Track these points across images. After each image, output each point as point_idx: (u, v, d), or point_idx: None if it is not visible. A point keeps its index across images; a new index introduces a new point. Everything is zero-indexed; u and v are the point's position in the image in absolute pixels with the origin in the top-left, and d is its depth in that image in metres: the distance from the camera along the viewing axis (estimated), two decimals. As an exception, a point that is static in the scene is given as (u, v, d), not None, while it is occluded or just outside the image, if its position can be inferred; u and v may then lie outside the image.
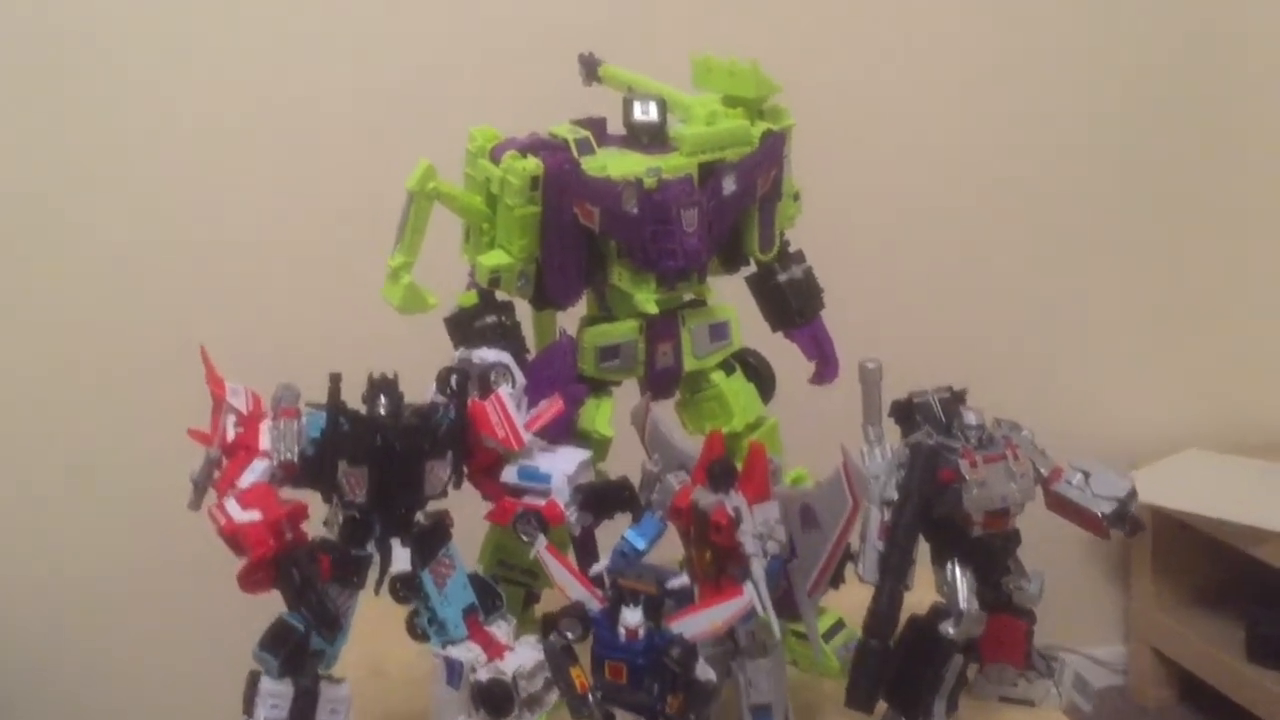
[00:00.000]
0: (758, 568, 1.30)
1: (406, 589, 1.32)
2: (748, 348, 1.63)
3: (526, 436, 1.35)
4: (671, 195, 1.45)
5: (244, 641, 1.26)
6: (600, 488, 1.38)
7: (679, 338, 1.55)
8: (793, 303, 1.62)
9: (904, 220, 2.38)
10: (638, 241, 1.46)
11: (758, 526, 1.33)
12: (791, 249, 1.64)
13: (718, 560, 1.38)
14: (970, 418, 1.42)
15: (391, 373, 1.32)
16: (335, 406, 1.27)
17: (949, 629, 1.38)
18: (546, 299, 1.50)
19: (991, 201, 2.42)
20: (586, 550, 1.48)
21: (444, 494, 1.34)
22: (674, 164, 1.45)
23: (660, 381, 1.56)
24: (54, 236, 2.22)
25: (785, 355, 1.65)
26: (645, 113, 1.50)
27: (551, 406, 1.40)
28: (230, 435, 1.25)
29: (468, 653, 1.30)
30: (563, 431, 1.45)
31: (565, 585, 1.30)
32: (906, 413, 1.46)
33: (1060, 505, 1.44)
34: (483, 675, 1.27)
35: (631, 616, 1.24)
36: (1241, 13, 2.55)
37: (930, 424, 1.43)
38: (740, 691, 1.35)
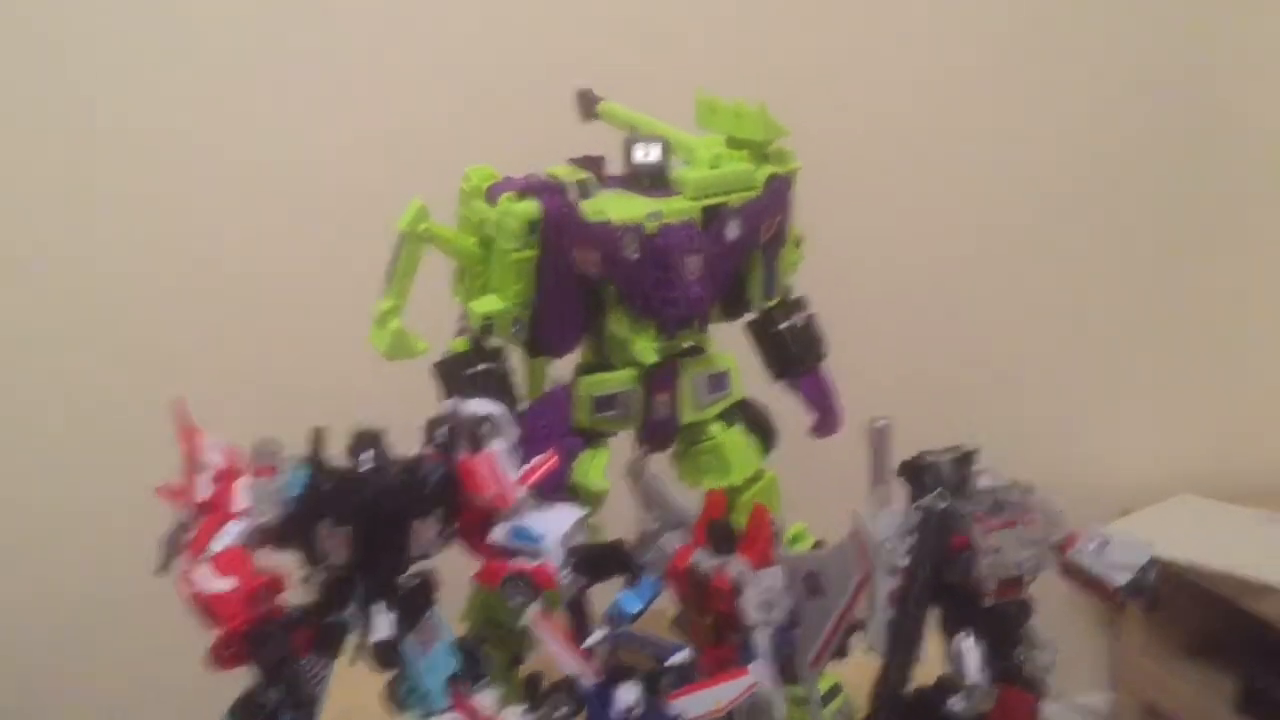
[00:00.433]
0: (762, 639, 1.24)
1: (387, 657, 1.24)
2: (748, 398, 1.57)
3: (518, 494, 1.28)
4: (674, 241, 1.39)
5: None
6: (596, 551, 1.30)
7: (677, 388, 1.49)
8: (794, 351, 1.57)
9: (883, 258, 2.33)
10: (638, 288, 1.40)
11: (761, 594, 1.27)
12: (793, 295, 1.59)
13: (717, 625, 1.32)
14: (984, 480, 1.36)
15: (377, 426, 1.24)
16: (317, 464, 1.19)
17: (957, 705, 1.32)
18: (541, 346, 1.44)
19: (975, 241, 2.38)
20: (578, 613, 1.41)
21: (429, 555, 1.27)
22: (676, 208, 1.40)
23: (657, 433, 1.50)
24: (31, 277, 2.11)
25: (783, 403, 1.60)
26: (647, 155, 1.44)
27: (546, 462, 1.33)
28: (203, 494, 1.17)
29: None
30: (556, 485, 1.37)
31: (558, 657, 1.23)
32: (916, 473, 1.40)
33: (1074, 574, 1.38)
34: (466, 750, 1.19)
35: (627, 695, 1.17)
36: (1255, 46, 2.51)
37: (941, 486, 1.36)
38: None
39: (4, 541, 2.14)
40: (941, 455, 1.41)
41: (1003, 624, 1.36)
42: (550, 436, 1.42)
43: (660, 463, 1.54)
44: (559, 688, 1.22)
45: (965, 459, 1.41)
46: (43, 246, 2.07)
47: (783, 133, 1.49)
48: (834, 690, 1.51)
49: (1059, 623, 1.26)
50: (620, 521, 1.45)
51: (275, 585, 1.11)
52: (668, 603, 1.44)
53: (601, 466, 1.48)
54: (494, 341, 1.40)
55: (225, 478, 1.20)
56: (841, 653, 1.34)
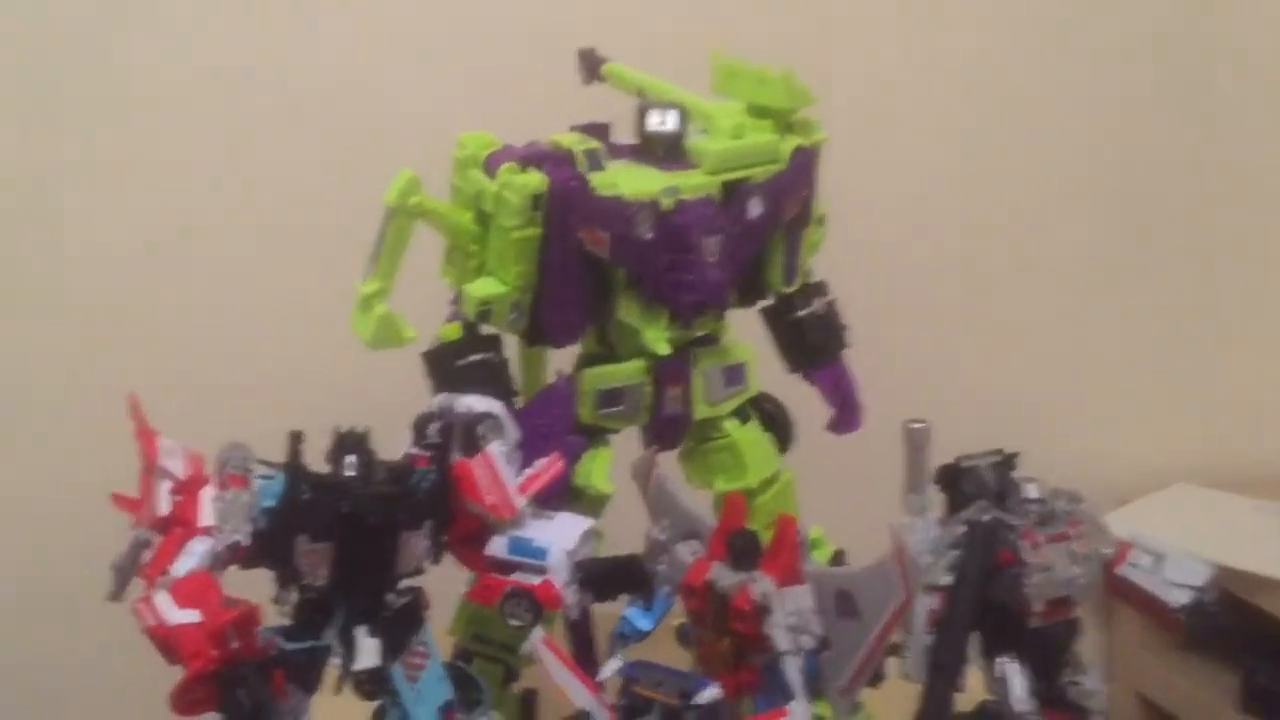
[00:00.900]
0: (793, 669, 1.11)
1: (374, 685, 1.13)
2: (763, 392, 1.46)
3: (519, 503, 1.17)
4: (691, 219, 1.29)
5: None
6: (607, 566, 1.18)
7: (690, 381, 1.38)
8: (813, 340, 1.47)
9: (878, 243, 2.23)
10: (651, 271, 1.30)
11: (789, 616, 1.14)
12: (813, 279, 1.48)
13: (737, 648, 1.19)
14: (1031, 490, 1.25)
15: (361, 427, 1.12)
16: (294, 470, 1.07)
17: (1002, 734, 1.20)
18: (542, 335, 1.32)
19: (971, 229, 2.29)
20: (581, 636, 1.28)
21: (419, 571, 1.16)
22: (694, 183, 1.30)
23: (667, 430, 1.39)
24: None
25: (797, 395, 1.49)
26: (663, 123, 1.33)
27: (550, 466, 1.21)
28: (163, 507, 1.03)
29: None
30: (556, 487, 1.24)
31: (566, 688, 1.10)
32: (954, 480, 1.29)
33: (1123, 591, 1.27)
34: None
35: (648, 734, 1.04)
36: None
37: (982, 494, 1.24)
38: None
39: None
40: (981, 459, 1.30)
41: (1049, 647, 1.25)
42: (551, 435, 1.30)
43: (668, 461, 1.41)
44: (568, 726, 1.09)
45: (1007, 463, 1.30)
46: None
47: (809, 101, 1.38)
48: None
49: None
50: (624, 528, 1.31)
51: (248, 619, 0.97)
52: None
53: (605, 467, 1.37)
54: (490, 329, 1.31)
55: (188, 488, 1.06)
56: (876, 680, 1.21)
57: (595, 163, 1.28)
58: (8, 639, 1.90)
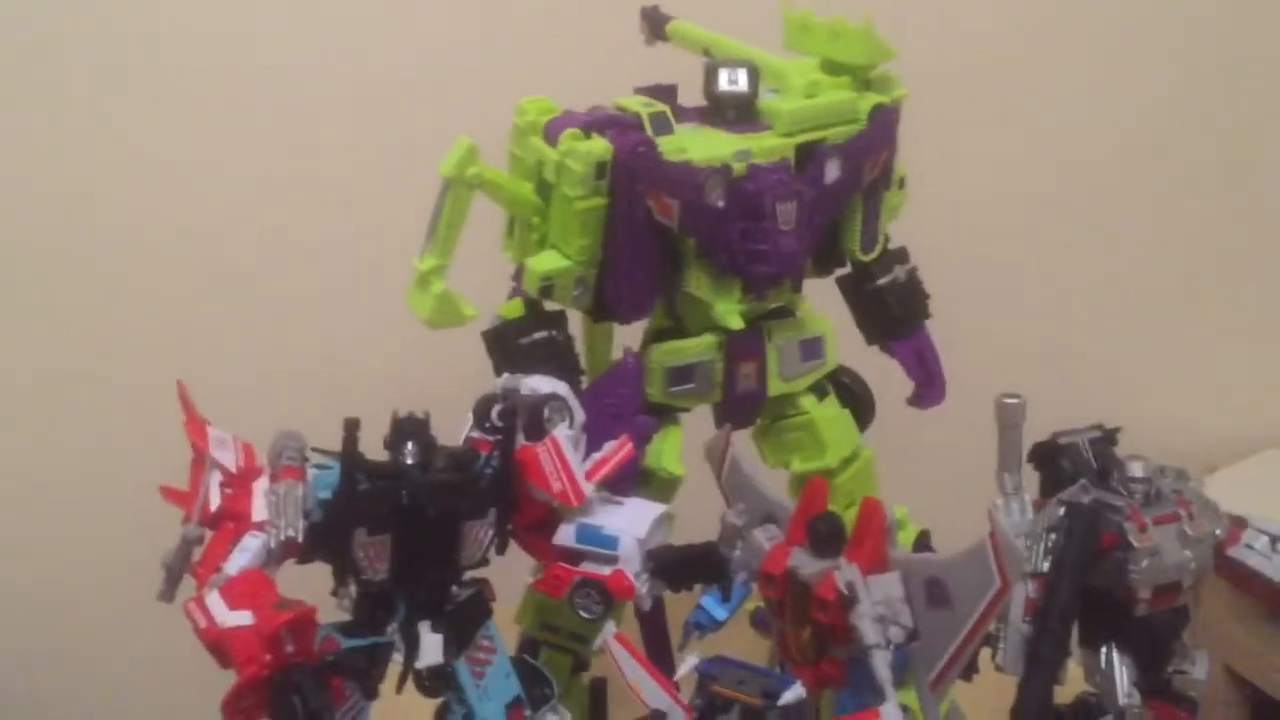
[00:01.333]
0: (881, 663, 1.04)
1: (438, 682, 1.10)
2: (843, 366, 1.40)
3: (588, 489, 1.12)
4: (765, 184, 1.23)
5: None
6: (682, 555, 1.11)
7: (764, 356, 1.32)
8: (894, 310, 1.41)
9: (968, 208, 2.14)
10: (723, 241, 1.24)
11: (877, 606, 1.07)
12: (893, 245, 1.41)
13: (819, 640, 1.13)
14: (1136, 468, 1.17)
15: (421, 412, 1.08)
16: (351, 459, 1.02)
17: (1104, 729, 1.13)
18: (608, 310, 1.27)
19: (1064, 192, 2.20)
20: (654, 626, 1.22)
21: (484, 562, 1.11)
22: (767, 146, 1.25)
23: (740, 408, 1.33)
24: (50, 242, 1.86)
25: (877, 368, 1.43)
26: (733, 82, 1.27)
27: (619, 450, 1.16)
28: (214, 501, 0.99)
29: None
30: (625, 471, 1.18)
31: (640, 687, 1.04)
32: (1050, 458, 1.23)
33: (1235, 574, 1.19)
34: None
35: (729, 737, 0.97)
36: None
37: (1083, 473, 1.17)
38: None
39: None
40: (1080, 435, 1.24)
41: (1155, 636, 1.19)
42: (620, 416, 1.26)
43: (741, 442, 1.34)
44: (644, 727, 1.03)
45: (1108, 439, 1.23)
46: (46, 220, 1.83)
47: (889, 55, 1.31)
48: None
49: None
50: (697, 512, 1.25)
51: (304, 622, 0.91)
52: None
53: (676, 448, 1.32)
54: (553, 305, 1.26)
55: (240, 480, 1.02)
56: (968, 672, 1.14)
57: (663, 127, 1.23)
58: (55, 641, 1.88)
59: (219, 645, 0.91)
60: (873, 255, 1.36)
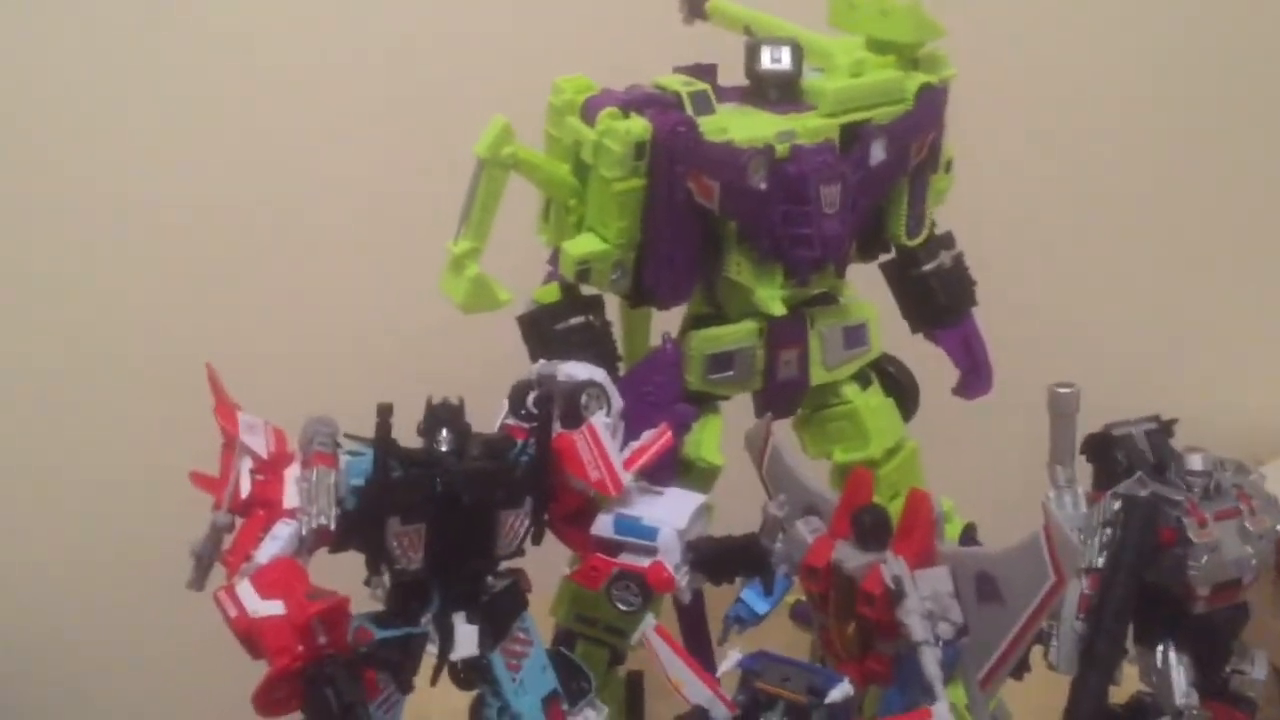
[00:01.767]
0: (930, 660, 1.00)
1: (473, 675, 1.07)
2: (887, 354, 1.37)
3: (626, 479, 1.08)
4: (809, 167, 1.20)
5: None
6: (723, 547, 1.08)
7: (806, 343, 1.29)
8: (940, 297, 1.37)
9: (1016, 192, 2.10)
10: (765, 225, 1.21)
11: (925, 602, 1.04)
12: (939, 230, 1.37)
13: (864, 635, 1.09)
14: (1195, 461, 1.14)
15: (455, 398, 1.05)
16: (385, 446, 0.99)
17: (1161, 732, 1.09)
18: (646, 295, 1.24)
19: (1113, 176, 2.15)
20: (693, 620, 1.19)
21: (520, 552, 1.08)
22: (811, 126, 1.22)
23: (781, 397, 1.30)
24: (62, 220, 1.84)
25: (921, 357, 1.39)
26: (776, 60, 1.24)
27: (657, 438, 1.13)
28: (245, 487, 0.97)
29: None
30: (664, 460, 1.15)
31: (681, 682, 1.01)
32: (1104, 450, 1.20)
33: (1296, 570, 1.14)
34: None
35: (774, 735, 0.94)
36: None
37: (1139, 466, 1.13)
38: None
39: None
40: (1134, 426, 1.21)
41: (1213, 635, 1.16)
42: (658, 404, 1.23)
43: (782, 431, 1.31)
44: (687, 721, 1.00)
45: (1165, 430, 1.20)
46: (75, 202, 1.81)
47: (937, 33, 1.28)
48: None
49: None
50: (736, 504, 1.22)
51: (336, 612, 0.89)
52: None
53: (715, 437, 1.29)
54: (590, 290, 1.23)
55: (271, 467, 1.00)
56: (1019, 670, 1.10)
57: (704, 106, 1.19)
58: (84, 630, 1.86)
59: (250, 635, 0.88)
60: (918, 240, 1.33)
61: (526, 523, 1.06)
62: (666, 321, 1.29)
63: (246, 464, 0.99)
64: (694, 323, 1.27)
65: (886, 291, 1.39)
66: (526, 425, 1.09)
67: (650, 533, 1.08)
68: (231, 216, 1.79)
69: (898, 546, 1.10)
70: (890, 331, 1.38)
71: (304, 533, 0.95)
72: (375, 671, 0.95)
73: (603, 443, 1.07)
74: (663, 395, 1.23)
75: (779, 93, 1.24)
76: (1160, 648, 1.14)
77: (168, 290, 1.79)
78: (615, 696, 1.29)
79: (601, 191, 1.17)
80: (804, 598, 1.21)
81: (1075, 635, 1.10)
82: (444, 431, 1.03)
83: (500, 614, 1.07)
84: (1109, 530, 1.12)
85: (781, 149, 1.18)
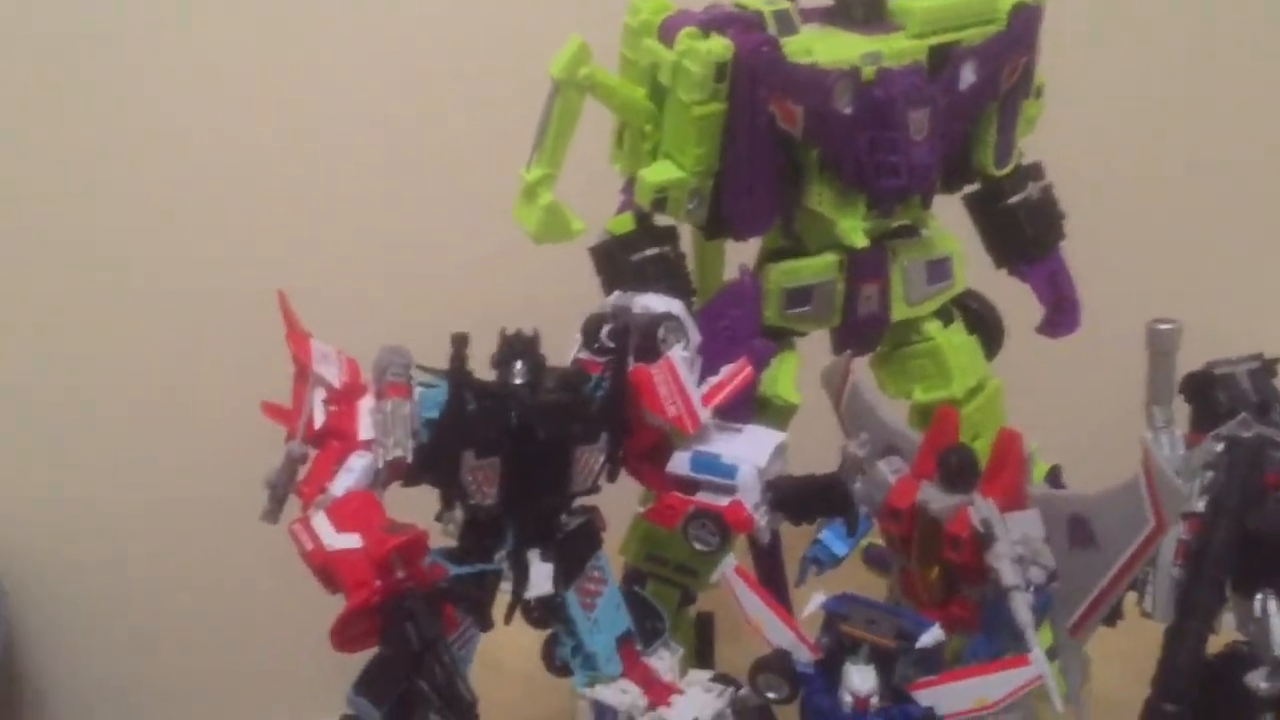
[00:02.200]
0: (1022, 606, 0.97)
1: (547, 613, 1.05)
2: (970, 290, 1.32)
3: (704, 415, 1.05)
4: (897, 90, 1.15)
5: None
6: (805, 486, 1.05)
7: (888, 277, 1.24)
8: (1027, 230, 1.32)
9: (1109, 120, 2.02)
10: (849, 152, 1.16)
11: (1015, 546, 1.00)
12: (1026, 160, 1.32)
13: (949, 580, 1.06)
14: None
15: (529, 329, 1.02)
16: (459, 378, 0.97)
17: (1258, 682, 1.04)
18: (725, 226, 1.20)
19: (1214, 101, 2.06)
20: (771, 563, 1.16)
21: (595, 489, 1.06)
22: (898, 48, 1.17)
23: (861, 333, 1.26)
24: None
25: (1006, 292, 1.34)
26: None
27: (738, 373, 1.10)
28: (319, 418, 0.94)
29: (622, 695, 1.06)
30: (742, 397, 1.12)
31: (763, 623, 0.98)
32: (1204, 390, 1.15)
33: None
34: (643, 727, 1.02)
35: (861, 679, 0.92)
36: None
37: (1242, 406, 1.09)
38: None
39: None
40: (1236, 365, 1.16)
41: None
42: (735, 339, 1.19)
43: (861, 369, 1.27)
44: (768, 665, 0.97)
45: (1268, 369, 1.15)
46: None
47: None
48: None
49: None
50: (812, 444, 1.18)
51: (415, 546, 0.87)
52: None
53: (792, 374, 1.25)
54: (665, 219, 1.19)
55: (344, 397, 0.97)
56: (1112, 618, 1.07)
57: (787, 26, 1.15)
58: (156, 563, 1.86)
59: (326, 569, 0.86)
60: (1006, 170, 1.27)
61: (602, 459, 1.04)
62: (741, 253, 1.25)
63: (319, 394, 0.97)
64: (771, 256, 1.23)
65: (969, 224, 1.34)
66: (601, 359, 1.05)
67: (729, 471, 1.05)
68: (298, 142, 1.75)
69: (986, 488, 1.07)
70: (973, 266, 1.32)
71: (379, 465, 0.93)
72: (453, 607, 0.93)
73: (681, 378, 1.04)
74: (740, 330, 1.19)
75: (865, 12, 1.19)
76: (1259, 596, 1.08)
77: (237, 219, 1.76)
78: (685, 638, 1.27)
79: (679, 116, 1.13)
80: (877, 541, 1.18)
81: (1172, 582, 1.06)
82: (519, 364, 1.00)
83: (575, 552, 1.05)
84: (1210, 474, 1.07)
85: (868, 72, 1.13)
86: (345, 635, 0.85)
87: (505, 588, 1.02)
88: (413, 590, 0.87)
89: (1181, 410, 1.16)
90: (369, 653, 0.91)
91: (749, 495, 1.04)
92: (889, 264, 1.23)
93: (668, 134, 1.15)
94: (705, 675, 1.09)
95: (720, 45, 1.10)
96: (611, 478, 1.06)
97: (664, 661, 1.09)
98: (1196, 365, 1.16)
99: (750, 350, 1.15)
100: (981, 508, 1.04)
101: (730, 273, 1.25)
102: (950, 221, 1.31)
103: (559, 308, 1.08)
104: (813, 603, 0.99)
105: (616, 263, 1.18)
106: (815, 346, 1.27)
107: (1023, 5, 1.20)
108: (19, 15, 1.58)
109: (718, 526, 1.05)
